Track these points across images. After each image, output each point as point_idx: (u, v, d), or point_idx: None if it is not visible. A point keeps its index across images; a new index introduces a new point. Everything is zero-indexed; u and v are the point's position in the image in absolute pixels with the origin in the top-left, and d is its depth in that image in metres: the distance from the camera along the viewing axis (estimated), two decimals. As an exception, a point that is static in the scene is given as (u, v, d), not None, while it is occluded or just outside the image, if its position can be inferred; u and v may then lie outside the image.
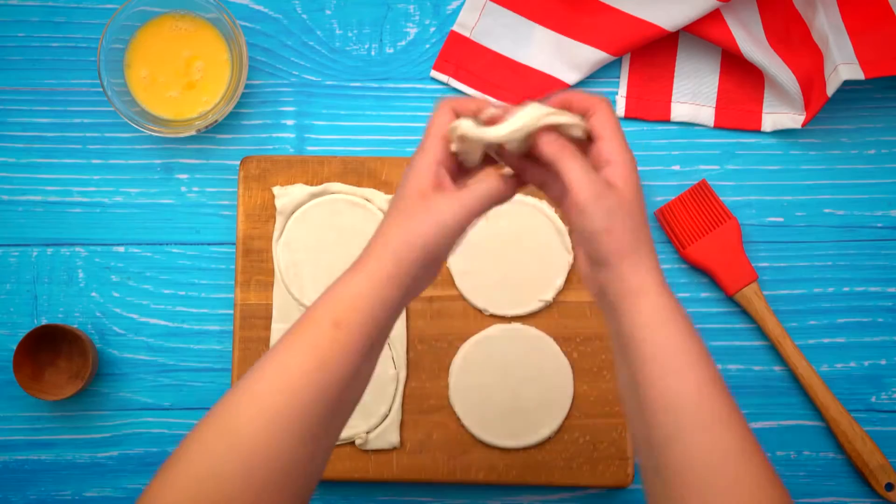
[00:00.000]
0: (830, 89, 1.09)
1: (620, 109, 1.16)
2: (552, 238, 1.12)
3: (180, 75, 1.14)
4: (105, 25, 1.11)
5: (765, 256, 1.15)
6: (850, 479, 1.14)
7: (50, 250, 1.16)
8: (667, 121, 1.16)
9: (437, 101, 0.85)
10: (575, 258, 0.88)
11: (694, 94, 1.16)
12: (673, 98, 1.16)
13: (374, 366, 0.84)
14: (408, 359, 1.12)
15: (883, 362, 1.15)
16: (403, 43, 1.17)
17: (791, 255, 1.15)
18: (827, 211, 1.16)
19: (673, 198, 1.15)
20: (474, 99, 0.86)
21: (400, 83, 1.17)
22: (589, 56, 1.15)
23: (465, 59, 1.16)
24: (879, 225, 1.15)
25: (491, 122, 0.85)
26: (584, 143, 0.84)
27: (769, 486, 0.81)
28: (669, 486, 0.79)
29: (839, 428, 1.12)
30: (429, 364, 1.13)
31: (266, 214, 1.14)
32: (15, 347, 1.11)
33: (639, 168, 1.14)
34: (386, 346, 1.12)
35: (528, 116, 0.84)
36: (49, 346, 1.13)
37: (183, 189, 1.16)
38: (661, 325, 0.82)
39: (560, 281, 1.12)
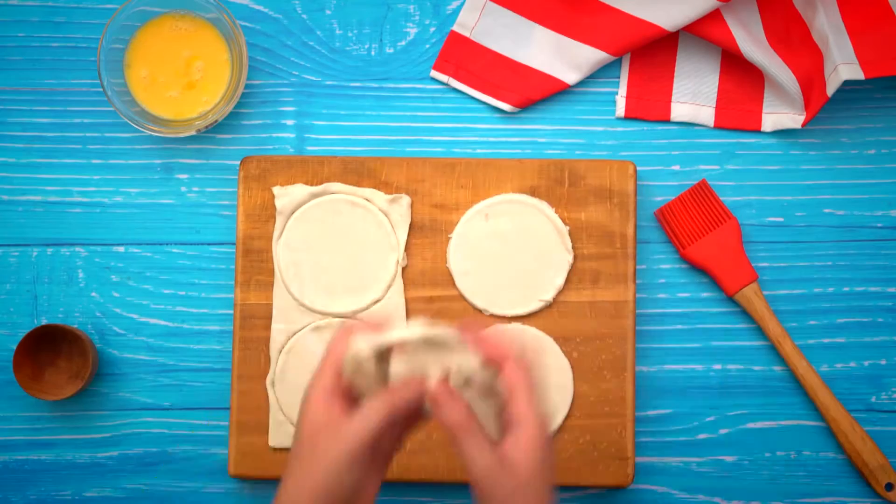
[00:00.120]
0: (830, 89, 1.09)
1: (620, 109, 1.16)
2: (552, 238, 1.12)
3: (180, 75, 1.14)
4: (105, 25, 1.11)
5: (765, 256, 1.15)
6: (850, 479, 1.14)
7: (50, 250, 1.16)
8: (667, 121, 1.16)
9: (337, 327, 0.83)
10: None
11: (694, 94, 1.16)
12: (673, 98, 1.16)
13: None
14: (408, 359, 1.12)
15: (883, 362, 1.15)
16: (403, 43, 1.17)
17: (791, 255, 1.15)
18: (827, 211, 1.16)
19: (673, 198, 1.15)
20: (373, 324, 0.85)
21: (400, 83, 1.17)
22: (589, 56, 1.15)
23: (465, 59, 1.16)
24: (879, 225, 1.15)
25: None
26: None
27: None
28: None
29: (839, 428, 1.12)
30: (429, 364, 1.12)
31: (266, 214, 1.14)
32: (15, 347, 1.11)
33: (639, 168, 1.15)
34: (386, 347, 1.12)
35: (409, 333, 0.82)
36: (49, 346, 1.13)
37: (183, 189, 1.16)
38: None
39: (560, 281, 1.12)
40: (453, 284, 1.13)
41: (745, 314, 1.15)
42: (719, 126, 1.16)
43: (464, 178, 1.13)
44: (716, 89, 1.16)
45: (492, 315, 1.13)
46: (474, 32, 1.16)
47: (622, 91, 1.16)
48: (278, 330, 1.12)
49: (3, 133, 1.16)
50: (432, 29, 1.17)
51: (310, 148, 1.16)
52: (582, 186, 1.13)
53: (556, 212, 1.13)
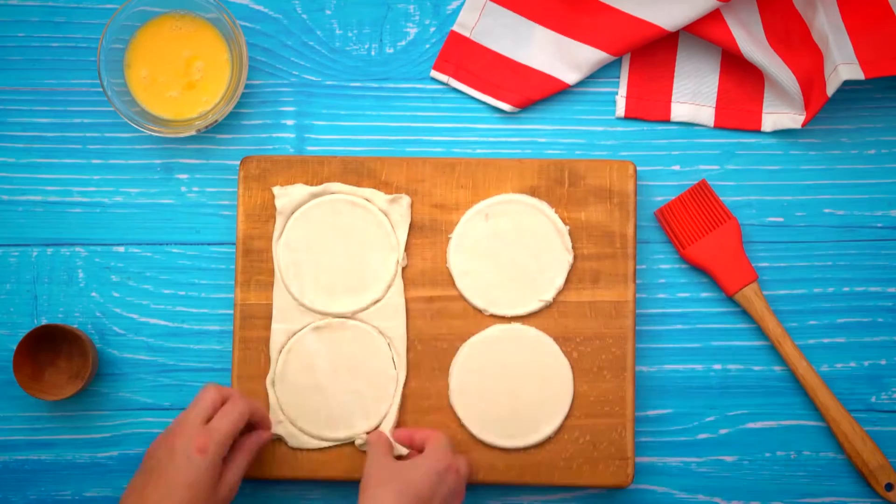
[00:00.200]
0: (830, 89, 1.09)
1: (620, 109, 1.16)
2: (552, 238, 1.12)
3: (180, 75, 1.14)
4: (105, 25, 1.11)
5: (765, 256, 1.15)
6: (850, 479, 1.14)
7: (50, 250, 1.16)
8: (667, 121, 1.16)
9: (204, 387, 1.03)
10: None
11: (694, 94, 1.16)
12: (673, 98, 1.16)
13: None
14: (408, 359, 1.12)
15: (883, 362, 1.15)
16: (403, 43, 1.17)
17: (791, 255, 1.15)
18: (827, 211, 1.16)
19: (673, 198, 1.15)
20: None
21: (400, 83, 1.17)
22: (589, 56, 1.15)
23: (465, 59, 1.16)
24: (879, 225, 1.15)
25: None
26: None
27: None
28: None
29: (839, 428, 1.12)
30: (429, 364, 1.13)
31: (266, 214, 1.14)
32: (15, 347, 1.11)
33: (639, 168, 1.15)
34: (386, 347, 1.12)
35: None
36: (49, 346, 1.13)
37: (183, 189, 1.16)
38: None
39: (560, 281, 1.12)
40: (453, 284, 1.13)
41: (745, 314, 1.15)
42: (719, 126, 1.16)
43: (464, 178, 1.13)
44: (716, 89, 1.16)
45: (492, 315, 1.13)
46: (474, 32, 1.16)
47: (622, 91, 1.16)
48: (278, 330, 1.12)
49: (3, 133, 1.17)
50: (432, 29, 1.17)
51: (310, 148, 1.16)
52: (582, 186, 1.13)
53: (556, 212, 1.13)
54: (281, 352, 1.12)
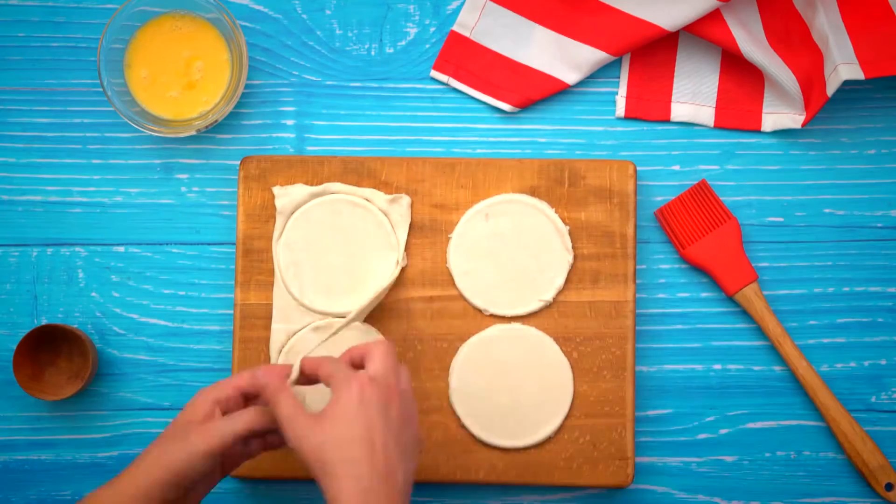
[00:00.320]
0: (830, 89, 1.09)
1: (620, 109, 1.16)
2: (552, 238, 1.12)
3: (180, 75, 1.14)
4: (105, 25, 1.11)
5: (765, 256, 1.15)
6: (850, 479, 1.14)
7: (50, 250, 1.16)
8: (667, 121, 1.16)
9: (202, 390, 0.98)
10: None
11: (694, 94, 1.16)
12: (673, 98, 1.16)
13: None
14: (408, 359, 1.12)
15: (883, 362, 1.15)
16: (403, 43, 1.17)
17: (791, 255, 1.15)
18: (827, 211, 1.16)
19: (673, 198, 1.15)
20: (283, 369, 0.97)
21: (400, 83, 1.17)
22: (589, 56, 1.15)
23: (465, 59, 1.16)
24: (879, 225, 1.16)
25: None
26: None
27: None
28: None
29: (839, 428, 1.12)
30: (429, 364, 1.13)
31: (266, 214, 1.14)
32: (15, 347, 1.11)
33: (639, 168, 1.15)
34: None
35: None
36: (49, 346, 1.13)
37: (183, 189, 1.16)
38: None
39: (560, 281, 1.12)
40: (453, 284, 1.13)
41: (745, 314, 1.15)
42: (719, 126, 1.16)
43: (464, 178, 1.13)
44: (716, 89, 1.16)
45: (492, 315, 1.13)
46: (474, 32, 1.16)
47: (622, 91, 1.16)
48: (278, 330, 1.12)
49: (3, 133, 1.17)
50: (432, 29, 1.17)
51: (310, 148, 1.16)
52: (582, 186, 1.13)
53: (556, 212, 1.13)
54: (281, 352, 1.12)
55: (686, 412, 1.15)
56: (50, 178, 1.16)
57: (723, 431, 1.14)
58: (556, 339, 1.12)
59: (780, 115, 1.15)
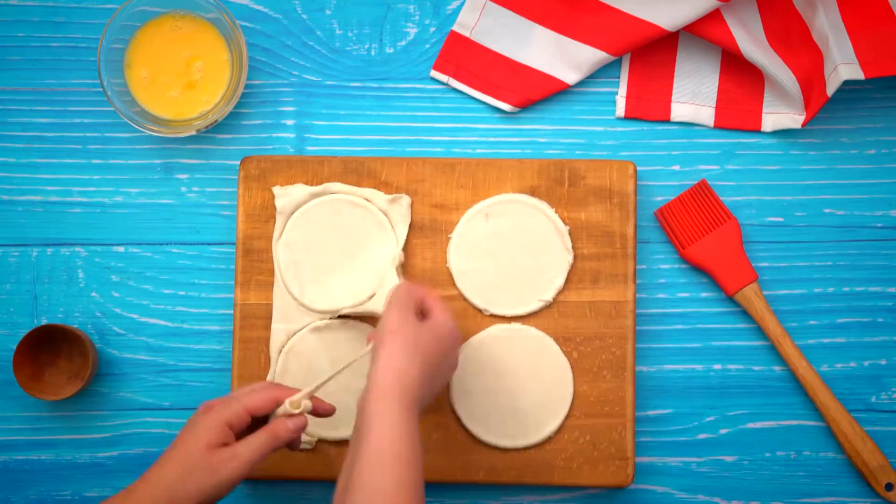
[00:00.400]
0: (830, 89, 1.09)
1: (620, 109, 1.16)
2: (552, 238, 1.12)
3: (180, 75, 1.14)
4: (105, 25, 1.11)
5: (765, 256, 1.15)
6: (850, 479, 1.14)
7: (50, 250, 1.16)
8: (667, 121, 1.16)
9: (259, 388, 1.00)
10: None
11: (694, 94, 1.16)
12: (673, 98, 1.16)
13: None
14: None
15: (883, 362, 1.15)
16: (403, 43, 1.17)
17: (791, 255, 1.15)
18: (827, 211, 1.16)
19: (673, 198, 1.15)
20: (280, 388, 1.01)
21: (400, 83, 1.17)
22: (589, 56, 1.15)
23: (465, 59, 1.16)
24: (879, 225, 1.16)
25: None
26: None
27: None
28: None
29: (839, 428, 1.12)
30: (429, 364, 1.12)
31: (266, 214, 1.14)
32: (15, 347, 1.11)
33: (639, 168, 1.15)
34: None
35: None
36: (49, 346, 1.13)
37: (183, 189, 1.16)
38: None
39: (560, 281, 1.12)
40: (453, 284, 1.13)
41: (745, 314, 1.15)
42: (719, 126, 1.16)
43: (464, 178, 1.13)
44: (716, 89, 1.16)
45: (492, 315, 1.13)
46: (474, 32, 1.16)
47: (622, 91, 1.16)
48: (278, 330, 1.12)
49: (3, 133, 1.17)
50: (432, 29, 1.17)
51: (310, 148, 1.16)
52: (582, 186, 1.13)
53: (556, 212, 1.13)
54: (281, 352, 1.12)
55: (686, 412, 1.15)
56: (50, 178, 1.16)
57: (723, 431, 1.14)
58: (556, 339, 1.12)
59: (780, 115, 1.15)
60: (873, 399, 1.15)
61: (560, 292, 1.12)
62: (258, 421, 0.99)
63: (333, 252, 1.13)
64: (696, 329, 1.15)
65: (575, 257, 1.13)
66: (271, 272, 1.13)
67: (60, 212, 1.16)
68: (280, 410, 0.99)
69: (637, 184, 1.14)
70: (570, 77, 1.16)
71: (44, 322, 1.15)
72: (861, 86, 1.16)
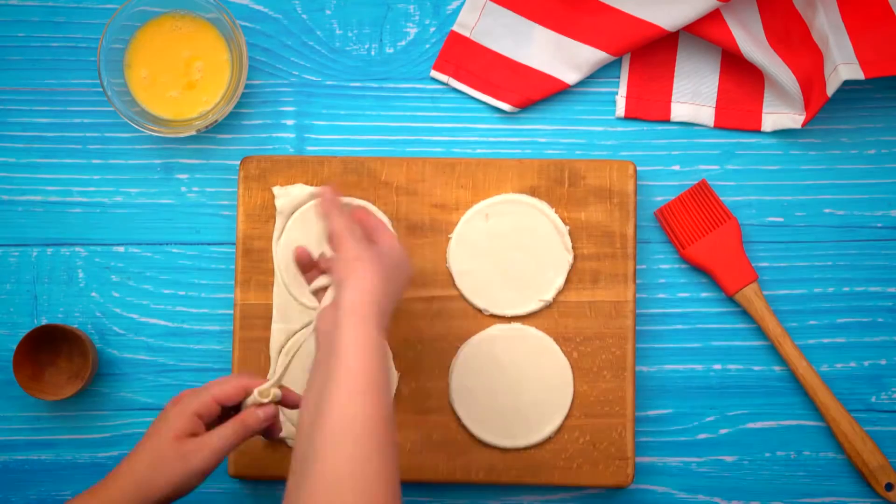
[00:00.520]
0: (830, 89, 1.09)
1: (620, 109, 1.16)
2: (552, 238, 1.12)
3: (180, 75, 1.14)
4: (105, 25, 1.11)
5: (765, 256, 1.15)
6: (850, 479, 1.14)
7: (50, 250, 1.16)
8: (667, 121, 1.16)
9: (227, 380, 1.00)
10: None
11: (694, 94, 1.16)
12: (673, 98, 1.16)
13: None
14: (408, 359, 1.12)
15: (883, 362, 1.15)
16: (403, 43, 1.17)
17: (791, 255, 1.15)
18: (827, 211, 1.16)
19: (673, 198, 1.15)
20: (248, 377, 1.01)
21: (400, 83, 1.17)
22: (589, 56, 1.15)
23: (465, 59, 1.16)
24: (879, 225, 1.16)
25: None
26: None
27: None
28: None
29: (839, 428, 1.12)
30: (429, 364, 1.13)
31: (266, 214, 1.14)
32: (15, 347, 1.11)
33: (639, 168, 1.15)
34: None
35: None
36: (49, 346, 1.13)
37: (183, 189, 1.16)
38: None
39: (560, 281, 1.12)
40: (453, 284, 1.13)
41: (745, 314, 1.15)
42: (719, 126, 1.16)
43: (464, 178, 1.13)
44: (716, 89, 1.16)
45: (492, 315, 1.13)
46: (474, 32, 1.16)
47: (622, 91, 1.16)
48: (278, 330, 1.12)
49: (3, 133, 1.17)
50: (432, 29, 1.17)
51: (310, 148, 1.16)
52: (582, 186, 1.13)
53: (556, 212, 1.13)
54: (281, 352, 1.12)
55: (686, 412, 1.15)
56: (50, 178, 1.16)
57: (723, 431, 1.14)
58: (556, 339, 1.12)
59: (780, 115, 1.15)
60: (873, 399, 1.15)
61: (560, 292, 1.12)
62: (231, 412, 1.00)
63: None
64: (696, 329, 1.15)
65: (575, 257, 1.13)
66: (271, 272, 1.13)
67: (60, 212, 1.16)
68: (250, 400, 0.99)
69: (637, 184, 1.14)
70: (570, 77, 1.16)
71: (44, 322, 1.15)
72: (861, 86, 1.16)
